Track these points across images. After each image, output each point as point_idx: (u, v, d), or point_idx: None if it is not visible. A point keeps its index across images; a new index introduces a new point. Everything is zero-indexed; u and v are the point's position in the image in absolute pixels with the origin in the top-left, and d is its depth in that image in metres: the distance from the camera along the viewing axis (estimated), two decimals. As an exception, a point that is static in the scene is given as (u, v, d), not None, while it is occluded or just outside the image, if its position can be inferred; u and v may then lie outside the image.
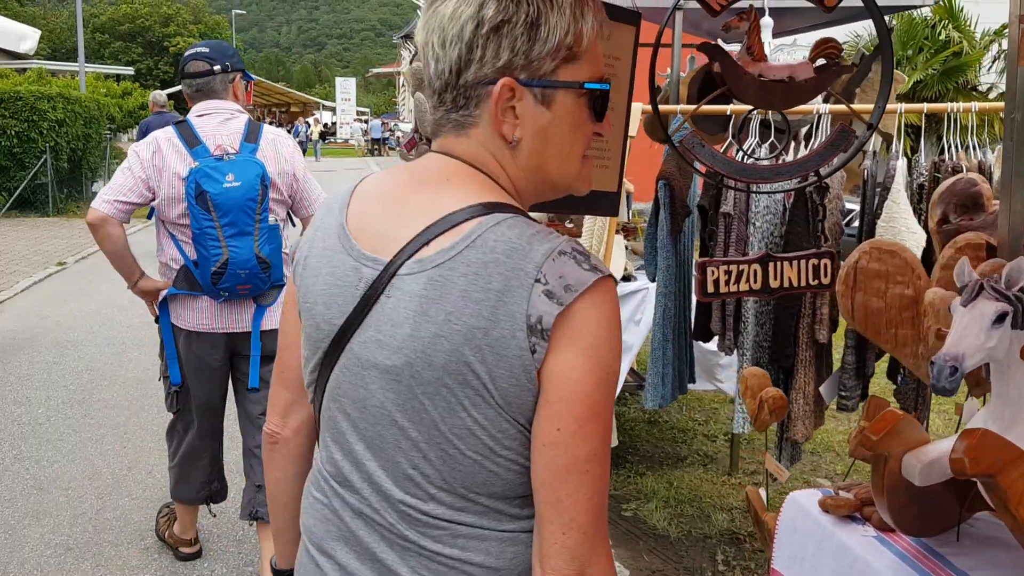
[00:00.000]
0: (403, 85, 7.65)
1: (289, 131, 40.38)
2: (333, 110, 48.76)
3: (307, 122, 34.64)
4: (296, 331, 1.22)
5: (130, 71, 38.28)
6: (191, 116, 3.04)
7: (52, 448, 4.66)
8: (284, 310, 1.28)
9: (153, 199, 2.99)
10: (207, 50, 3.12)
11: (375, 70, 42.79)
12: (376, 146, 40.62)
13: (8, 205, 14.34)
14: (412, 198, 1.10)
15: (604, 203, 2.20)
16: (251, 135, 3.02)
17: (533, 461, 1.03)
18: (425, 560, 1.08)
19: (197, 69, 3.06)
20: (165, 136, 2.98)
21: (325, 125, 35.54)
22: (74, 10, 52.76)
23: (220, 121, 3.02)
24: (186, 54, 3.13)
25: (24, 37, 5.38)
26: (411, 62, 4.04)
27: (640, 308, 3.99)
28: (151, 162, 2.95)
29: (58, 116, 14.43)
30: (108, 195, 2.94)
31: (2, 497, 4.08)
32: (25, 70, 25.01)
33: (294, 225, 3.22)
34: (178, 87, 3.44)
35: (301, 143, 31.94)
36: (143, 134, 7.82)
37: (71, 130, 14.89)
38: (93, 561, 3.50)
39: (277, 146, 3.06)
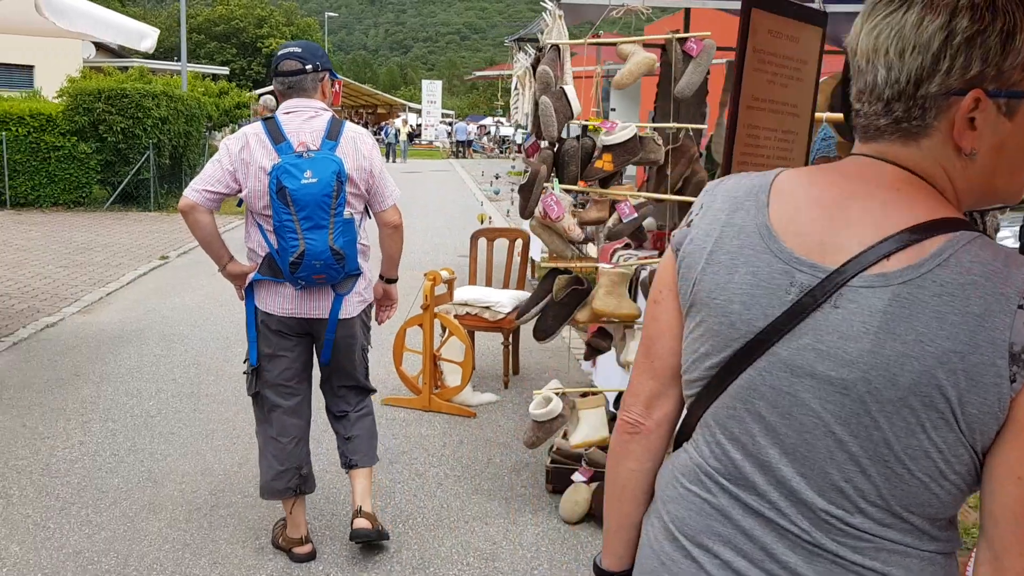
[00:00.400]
0: (515, 88, 7.70)
1: (378, 132, 41.16)
2: (418, 112, 49.24)
3: (396, 127, 35.05)
4: (674, 321, 1.22)
5: (225, 71, 39.43)
6: (278, 113, 3.21)
7: (164, 441, 4.73)
8: (659, 299, 1.26)
9: (239, 190, 3.17)
10: (299, 50, 3.25)
11: (478, 72, 42.95)
12: (460, 148, 40.94)
13: (112, 199, 14.83)
14: (854, 205, 1.08)
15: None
16: (332, 132, 3.18)
17: (991, 491, 1.02)
18: (838, 569, 1.08)
19: (290, 68, 3.21)
20: (253, 131, 3.16)
21: (412, 127, 35.93)
22: (172, 11, 54.41)
23: (305, 119, 3.18)
24: (279, 53, 3.26)
25: (145, 36, 5.55)
26: (535, 64, 3.96)
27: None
28: (239, 156, 3.14)
29: (162, 113, 14.87)
30: (198, 184, 3.15)
31: (120, 488, 4.14)
32: (127, 68, 25.97)
33: (369, 218, 3.43)
34: (270, 87, 3.59)
35: (390, 144, 32.43)
36: None
37: (173, 127, 15.33)
38: (210, 559, 3.52)
39: (357, 143, 3.22)
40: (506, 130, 50.87)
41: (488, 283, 6.34)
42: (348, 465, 3.55)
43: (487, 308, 5.61)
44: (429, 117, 47.64)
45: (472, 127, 43.53)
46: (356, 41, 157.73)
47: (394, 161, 32.67)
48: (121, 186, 14.77)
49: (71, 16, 4.71)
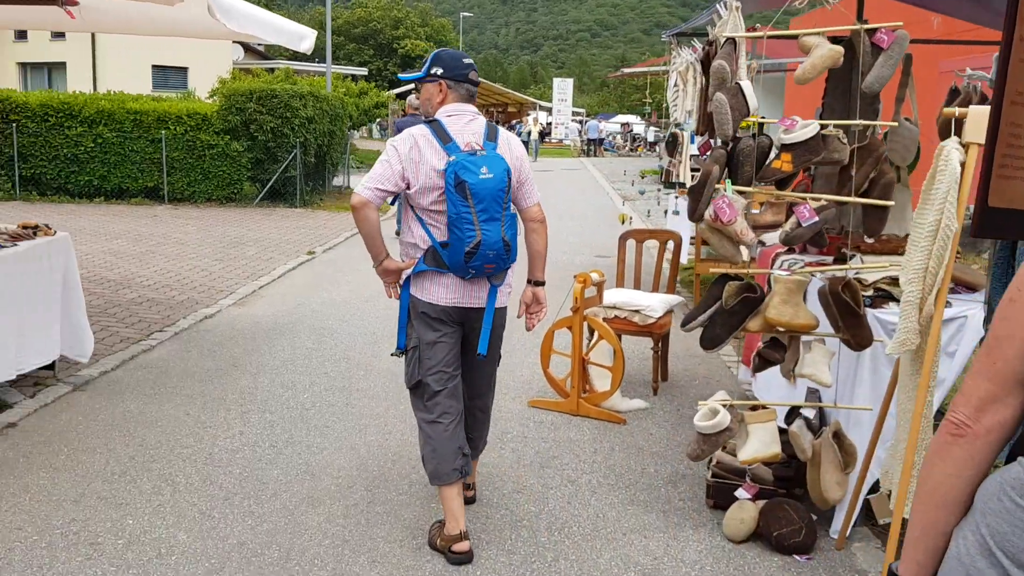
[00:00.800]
0: (675, 84, 7.52)
1: (511, 130, 41.40)
2: (549, 110, 49.32)
3: (528, 125, 35.17)
4: None
5: (364, 71, 40.60)
6: (440, 116, 3.44)
7: (320, 435, 4.81)
8: (1016, 298, 1.17)
9: (407, 188, 3.37)
10: (473, 62, 3.55)
11: (627, 70, 42.60)
12: (591, 147, 40.75)
13: (261, 196, 15.43)
14: None
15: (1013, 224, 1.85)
16: (491, 135, 3.44)
17: None
18: None
19: (477, 80, 3.53)
20: (420, 133, 3.37)
21: (543, 126, 36.00)
22: (314, 14, 56.12)
23: (466, 122, 3.43)
24: (466, 61, 3.52)
25: (304, 37, 5.72)
26: (705, 60, 3.79)
27: (955, 339, 3.53)
28: (408, 156, 3.34)
29: (308, 113, 15.35)
30: (369, 183, 3.32)
31: (279, 480, 4.22)
32: (273, 70, 27.06)
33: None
34: (407, 87, 3.77)
35: (524, 142, 32.60)
36: (398, 131, 8.49)
37: (319, 127, 15.81)
38: (369, 556, 3.52)
39: (511, 145, 3.49)
40: (637, 128, 50.47)
41: (636, 285, 6.18)
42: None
43: (636, 312, 5.46)
44: (560, 115, 47.66)
45: (603, 125, 43.27)
46: (488, 40, 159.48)
47: (525, 159, 32.75)
48: (270, 183, 15.34)
49: (238, 19, 4.84)
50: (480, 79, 3.63)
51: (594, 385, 5.25)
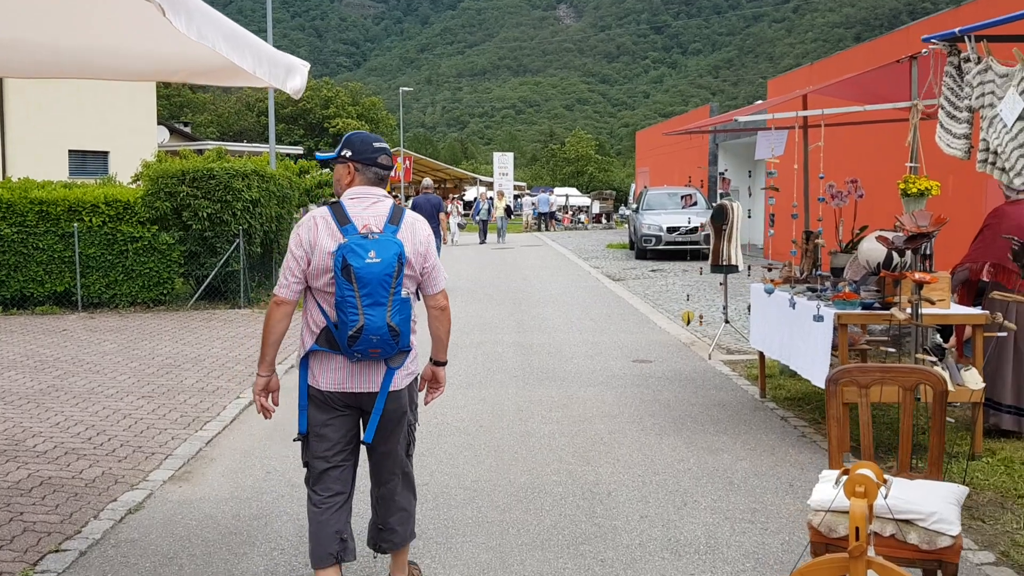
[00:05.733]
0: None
1: (468, 207, 38.88)
2: (489, 184, 47.72)
3: (490, 197, 32.93)
4: None
5: (300, 150, 38.33)
6: (344, 198, 3.48)
7: None
8: None
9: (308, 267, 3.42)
10: (387, 146, 3.61)
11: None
12: (542, 220, 38.91)
13: (197, 295, 12.80)
14: None
15: None
16: (395, 217, 3.47)
17: None
18: None
19: (388, 164, 3.58)
20: (321, 215, 3.44)
21: (509, 203, 33.58)
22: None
23: (369, 204, 3.47)
24: (376, 145, 3.54)
25: (293, 71, 3.71)
26: None
27: None
28: (308, 239, 3.40)
29: (253, 195, 12.87)
30: (284, 280, 3.44)
31: None
32: (203, 151, 24.51)
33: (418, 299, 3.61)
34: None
35: (483, 221, 30.19)
36: (413, 208, 8.13)
37: (265, 210, 13.32)
38: None
39: (415, 229, 3.51)
40: (579, 200, 49.02)
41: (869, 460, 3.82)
42: (376, 549, 3.72)
43: (910, 524, 3.12)
44: (502, 189, 46.00)
45: (553, 198, 41.55)
46: (415, 119, 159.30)
47: (484, 241, 30.00)
48: (208, 280, 12.72)
49: (199, 22, 2.54)
50: (414, 152, 3.04)
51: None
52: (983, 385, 4.31)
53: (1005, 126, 3.04)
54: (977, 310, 5.69)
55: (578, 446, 5.96)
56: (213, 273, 12.71)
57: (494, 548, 4.32)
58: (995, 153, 3.18)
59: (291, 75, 3.58)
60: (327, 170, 33.23)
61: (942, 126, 3.55)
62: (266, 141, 49.29)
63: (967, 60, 3.38)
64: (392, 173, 3.66)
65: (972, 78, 3.34)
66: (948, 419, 5.76)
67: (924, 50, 5.89)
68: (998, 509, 4.75)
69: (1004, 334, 5.53)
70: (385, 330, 3.30)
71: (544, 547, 4.32)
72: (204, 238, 12.64)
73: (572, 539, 4.41)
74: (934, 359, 5.31)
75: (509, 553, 4.26)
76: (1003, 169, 3.14)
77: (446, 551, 4.29)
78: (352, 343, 3.29)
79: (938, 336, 5.95)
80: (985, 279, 6.01)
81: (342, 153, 3.51)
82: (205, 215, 12.43)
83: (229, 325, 11.39)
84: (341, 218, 3.38)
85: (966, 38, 3.31)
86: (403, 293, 3.38)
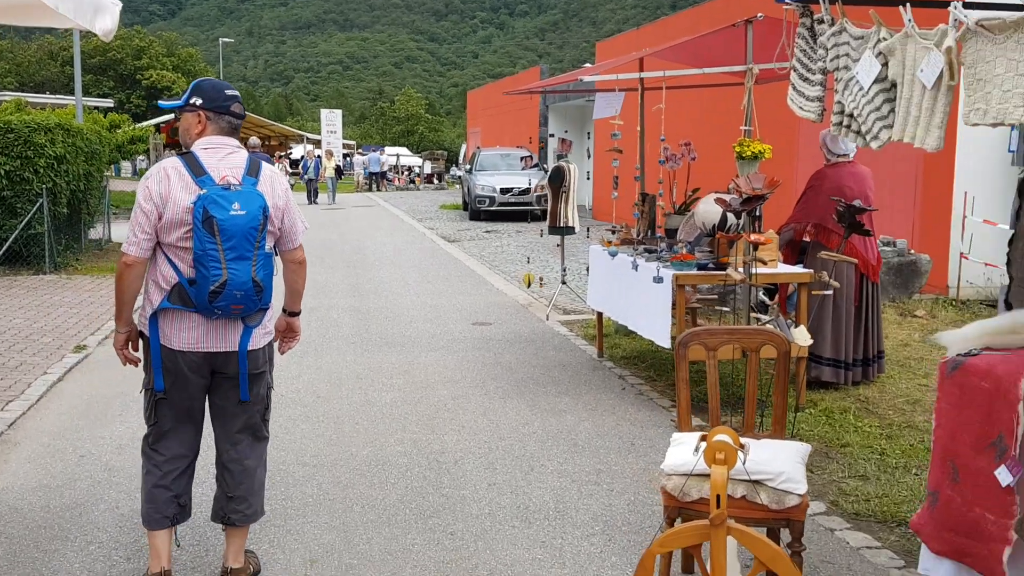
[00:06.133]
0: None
1: (296, 166, 37.24)
2: (316, 143, 46.29)
3: (318, 156, 31.77)
4: None
5: (110, 103, 35.63)
6: (195, 148, 3.32)
7: None
8: None
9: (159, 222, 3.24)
10: (239, 93, 3.44)
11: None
12: (373, 180, 38.19)
13: (-5, 261, 11.64)
14: None
15: None
16: (252, 170, 3.33)
17: None
18: None
19: (240, 112, 3.41)
20: (172, 165, 3.26)
21: (338, 162, 32.35)
22: (42, 43, 49.83)
23: (224, 155, 3.32)
24: (228, 92, 3.39)
25: (101, 8, 3.25)
26: None
27: None
28: (158, 191, 3.21)
29: (58, 151, 11.77)
30: (132, 237, 3.23)
31: None
32: (0, 102, 22.25)
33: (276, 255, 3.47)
34: (154, 120, 4.00)
35: (311, 181, 29.13)
36: None
37: (72, 168, 12.21)
38: None
39: (273, 182, 3.40)
40: (410, 160, 48.49)
41: (714, 424, 3.87)
42: (224, 521, 3.49)
43: (758, 484, 3.17)
44: (330, 147, 44.79)
45: (384, 157, 40.83)
46: (236, 72, 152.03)
47: (314, 201, 28.96)
48: (7, 243, 11.57)
49: None
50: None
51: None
52: (811, 341, 4.49)
53: (861, 89, 3.10)
54: (802, 269, 5.96)
55: (421, 413, 5.82)
56: (13, 236, 11.57)
57: (338, 527, 4.12)
58: (851, 116, 3.24)
59: (100, 14, 3.17)
60: (151, 122, 31.12)
61: (794, 88, 3.60)
62: (71, 93, 45.65)
63: (820, 22, 3.43)
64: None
65: (826, 40, 3.39)
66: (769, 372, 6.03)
67: (759, 14, 6.05)
68: (823, 459, 4.99)
69: (829, 292, 5.82)
70: (250, 285, 3.22)
71: (391, 523, 4.16)
72: (2, 198, 11.47)
73: (420, 513, 4.27)
74: (766, 317, 5.53)
75: (354, 531, 4.07)
76: (858, 132, 3.21)
77: (285, 533, 4.05)
78: (214, 298, 3.18)
79: (762, 294, 6.20)
80: (807, 239, 6.31)
81: (191, 101, 3.35)
82: (3, 173, 11.26)
83: (33, 293, 10.42)
84: (196, 169, 3.23)
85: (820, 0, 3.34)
86: (267, 247, 3.31)
